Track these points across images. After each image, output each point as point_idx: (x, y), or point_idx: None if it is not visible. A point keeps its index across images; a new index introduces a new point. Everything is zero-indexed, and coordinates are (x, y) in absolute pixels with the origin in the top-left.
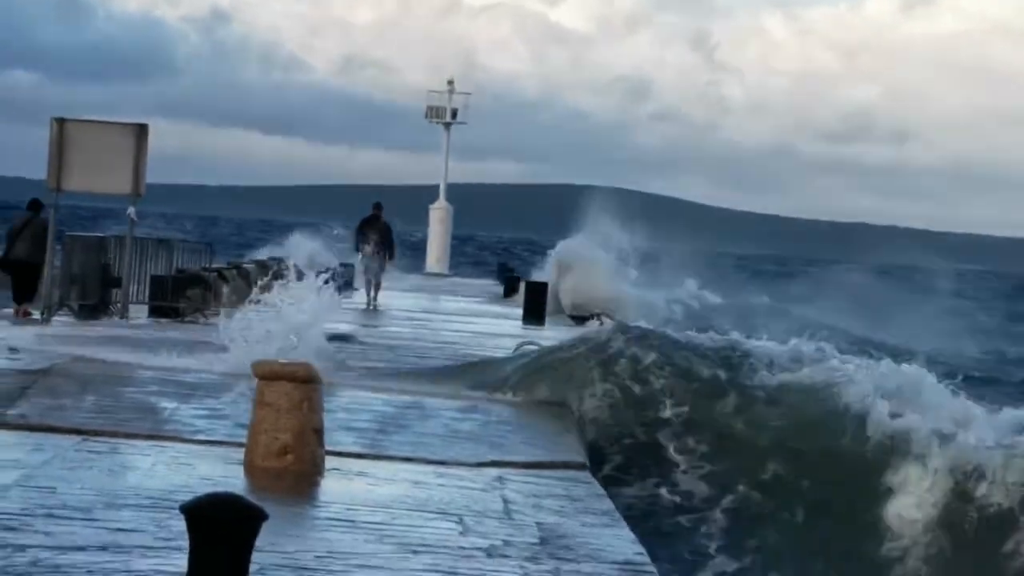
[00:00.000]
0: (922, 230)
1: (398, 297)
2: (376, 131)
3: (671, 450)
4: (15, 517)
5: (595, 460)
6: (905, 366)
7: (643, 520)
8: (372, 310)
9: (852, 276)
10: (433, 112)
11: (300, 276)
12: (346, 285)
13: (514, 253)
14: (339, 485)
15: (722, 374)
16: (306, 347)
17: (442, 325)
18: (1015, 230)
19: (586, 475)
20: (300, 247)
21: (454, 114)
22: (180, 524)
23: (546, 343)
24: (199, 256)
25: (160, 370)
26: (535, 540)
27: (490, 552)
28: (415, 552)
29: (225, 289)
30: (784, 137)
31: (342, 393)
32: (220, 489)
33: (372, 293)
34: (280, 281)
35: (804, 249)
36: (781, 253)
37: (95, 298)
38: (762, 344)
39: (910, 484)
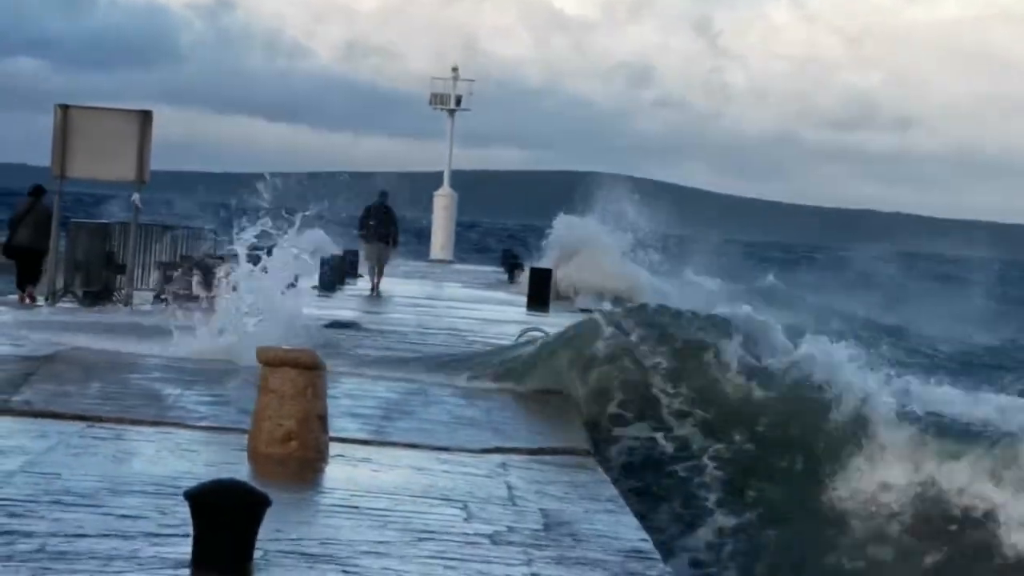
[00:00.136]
0: (928, 217)
1: (402, 284)
2: (380, 118)
3: (671, 433)
4: (20, 503)
5: (598, 447)
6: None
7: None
8: (375, 296)
9: (876, 263)
10: (437, 99)
11: (255, 261)
12: (351, 269)
13: (518, 239)
14: (343, 471)
15: (725, 347)
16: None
17: (446, 312)
18: (1020, 217)
19: (590, 461)
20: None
21: (458, 101)
22: (184, 510)
23: (551, 329)
24: (203, 243)
25: (163, 357)
26: (539, 527)
27: (494, 538)
28: (419, 538)
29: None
30: (788, 124)
31: (346, 380)
32: (224, 476)
33: (375, 279)
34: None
35: (810, 236)
36: (787, 240)
37: (99, 285)
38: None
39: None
